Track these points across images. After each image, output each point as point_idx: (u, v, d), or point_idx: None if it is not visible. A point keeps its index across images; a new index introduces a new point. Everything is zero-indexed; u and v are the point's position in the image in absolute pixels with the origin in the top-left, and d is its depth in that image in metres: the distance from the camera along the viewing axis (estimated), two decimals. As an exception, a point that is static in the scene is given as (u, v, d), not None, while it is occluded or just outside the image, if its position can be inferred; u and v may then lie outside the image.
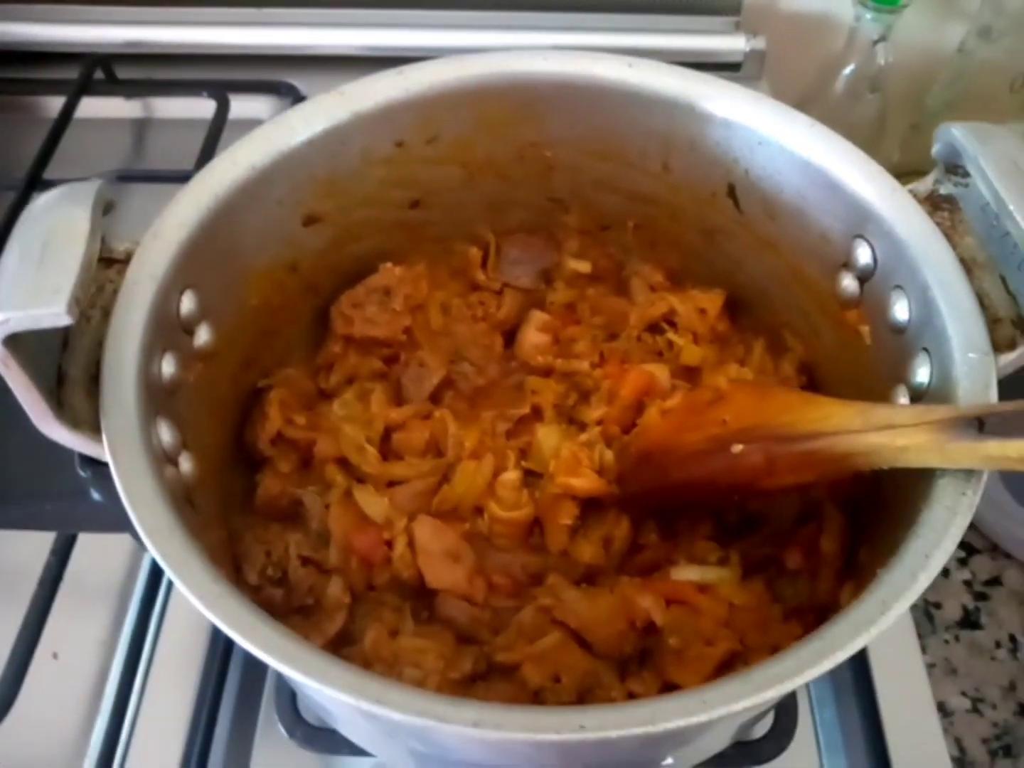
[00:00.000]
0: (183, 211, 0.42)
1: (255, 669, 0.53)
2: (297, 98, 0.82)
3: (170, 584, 0.56)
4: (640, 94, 0.49)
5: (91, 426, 0.35)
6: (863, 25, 0.78)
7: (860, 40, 0.79)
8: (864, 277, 0.44)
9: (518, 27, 0.85)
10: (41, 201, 0.35)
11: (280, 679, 0.50)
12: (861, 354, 0.46)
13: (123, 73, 0.83)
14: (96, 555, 0.57)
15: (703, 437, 0.42)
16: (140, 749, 0.51)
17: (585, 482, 0.46)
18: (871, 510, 0.42)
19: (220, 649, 0.53)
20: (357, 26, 0.86)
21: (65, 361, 0.37)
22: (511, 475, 0.46)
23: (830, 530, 0.44)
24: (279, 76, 0.84)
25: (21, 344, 0.32)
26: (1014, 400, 0.34)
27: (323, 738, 0.47)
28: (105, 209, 0.36)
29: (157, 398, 0.38)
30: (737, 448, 0.40)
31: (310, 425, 0.50)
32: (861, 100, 0.83)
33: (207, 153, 0.73)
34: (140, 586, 0.56)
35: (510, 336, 0.56)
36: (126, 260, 0.40)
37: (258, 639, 0.29)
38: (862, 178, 0.44)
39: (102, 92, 0.81)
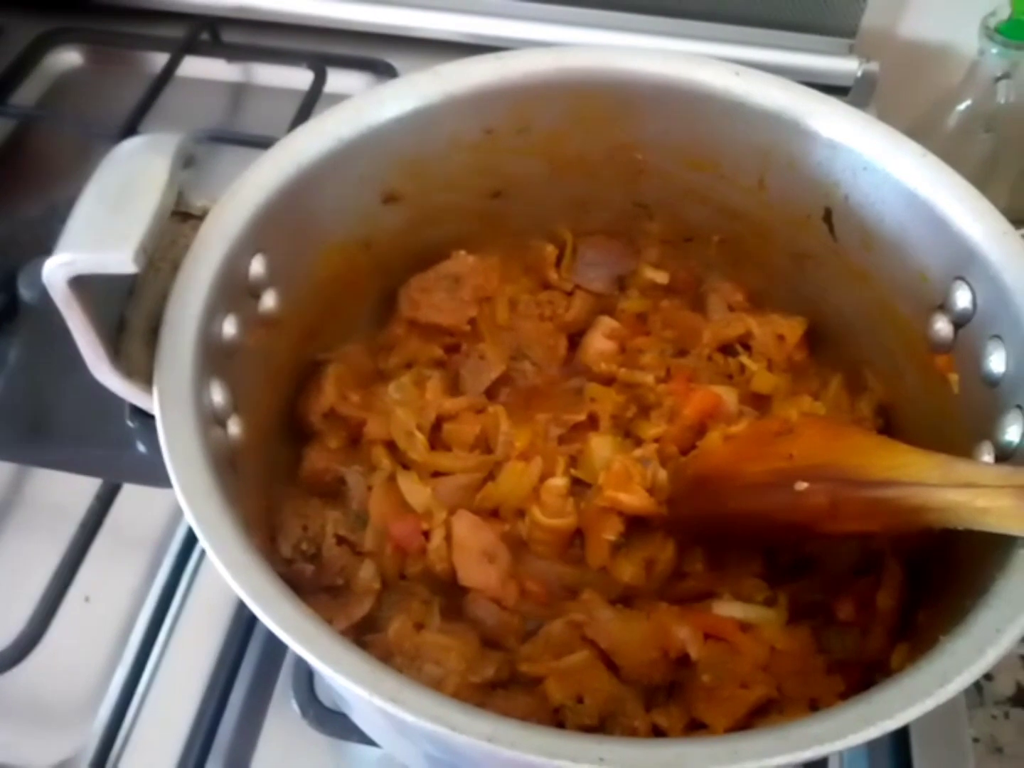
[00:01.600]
0: (264, 175, 0.41)
1: (277, 641, 0.53)
2: (393, 77, 0.82)
3: (207, 545, 0.56)
4: (744, 105, 0.47)
5: (145, 377, 0.35)
6: (986, 60, 0.74)
7: (981, 75, 0.75)
8: (960, 322, 0.42)
9: (623, 28, 0.84)
10: (124, 148, 0.35)
11: (300, 657, 0.49)
12: (946, 403, 0.43)
13: (227, 37, 0.84)
14: (138, 505, 0.57)
15: (766, 469, 0.40)
16: (155, 702, 0.51)
17: (634, 499, 0.44)
18: (936, 570, 0.39)
19: (246, 615, 0.52)
20: (459, 11, 0.85)
21: (128, 309, 0.37)
22: (558, 481, 0.45)
23: (889, 585, 0.42)
24: (378, 54, 0.84)
25: (86, 286, 0.32)
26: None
27: (335, 722, 0.47)
28: (186, 163, 0.35)
29: (214, 358, 0.37)
30: (801, 486, 0.38)
31: (363, 404, 0.50)
32: (974, 138, 0.79)
33: (299, 123, 0.73)
34: (177, 541, 0.56)
35: (575, 340, 0.55)
36: (202, 217, 0.39)
37: (279, 616, 0.28)
38: (971, 217, 0.41)
39: (205, 53, 0.82)
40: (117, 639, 0.54)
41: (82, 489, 0.56)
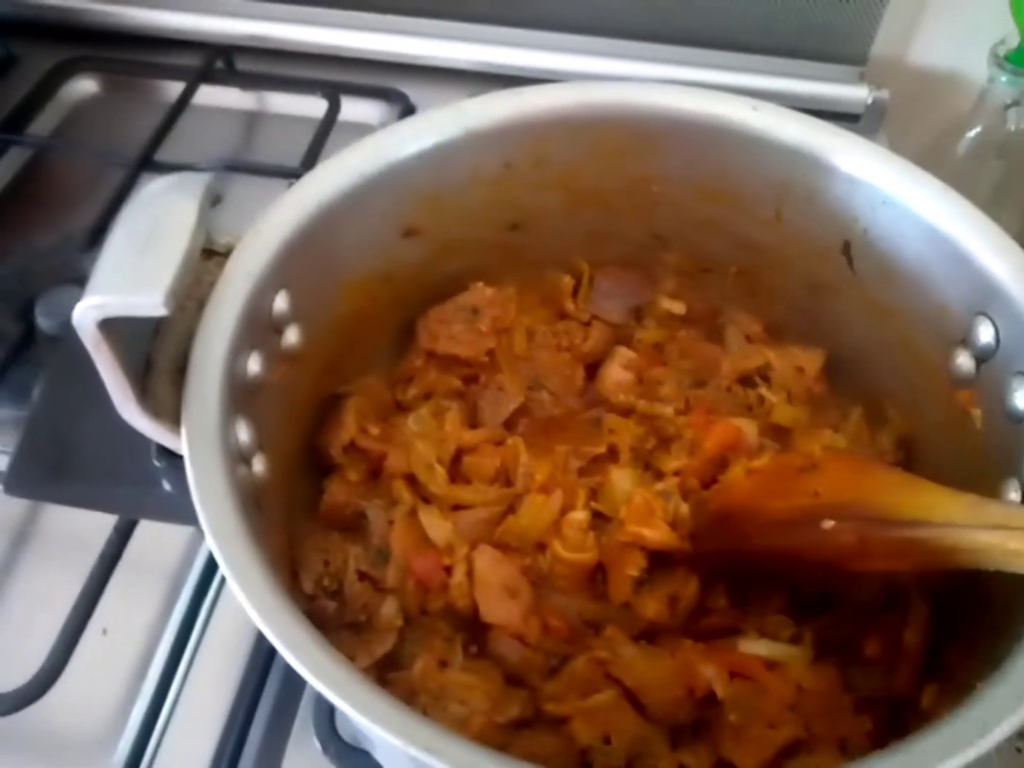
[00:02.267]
0: (286, 212, 0.42)
1: (297, 675, 0.53)
2: (406, 106, 0.82)
3: (225, 578, 0.56)
4: (761, 139, 0.47)
5: (171, 417, 0.35)
6: (996, 87, 0.74)
7: (991, 103, 0.75)
8: (983, 357, 0.42)
9: (634, 57, 0.84)
10: (151, 188, 0.36)
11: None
12: (970, 439, 0.43)
13: (242, 65, 0.85)
14: (154, 538, 0.57)
15: (791, 506, 0.40)
16: (175, 736, 0.51)
17: (657, 534, 0.44)
18: (964, 607, 0.39)
19: (265, 647, 0.52)
20: (471, 41, 0.86)
21: (154, 349, 0.37)
22: (579, 515, 0.45)
23: (915, 622, 0.41)
24: (391, 83, 0.84)
25: (114, 328, 0.32)
26: None
27: (356, 759, 0.46)
28: (213, 202, 0.36)
29: (240, 396, 0.37)
30: (828, 524, 0.38)
31: (383, 437, 0.50)
32: (984, 165, 0.79)
33: (314, 152, 0.74)
34: (195, 574, 0.56)
35: (593, 370, 0.55)
36: (226, 254, 0.39)
37: (309, 661, 0.28)
38: (992, 252, 0.41)
39: (220, 81, 0.83)
40: (135, 672, 0.53)
41: (98, 520, 0.56)
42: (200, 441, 0.34)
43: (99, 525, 0.55)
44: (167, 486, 0.37)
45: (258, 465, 0.39)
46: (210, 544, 0.31)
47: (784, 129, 0.46)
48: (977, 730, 0.27)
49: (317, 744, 0.48)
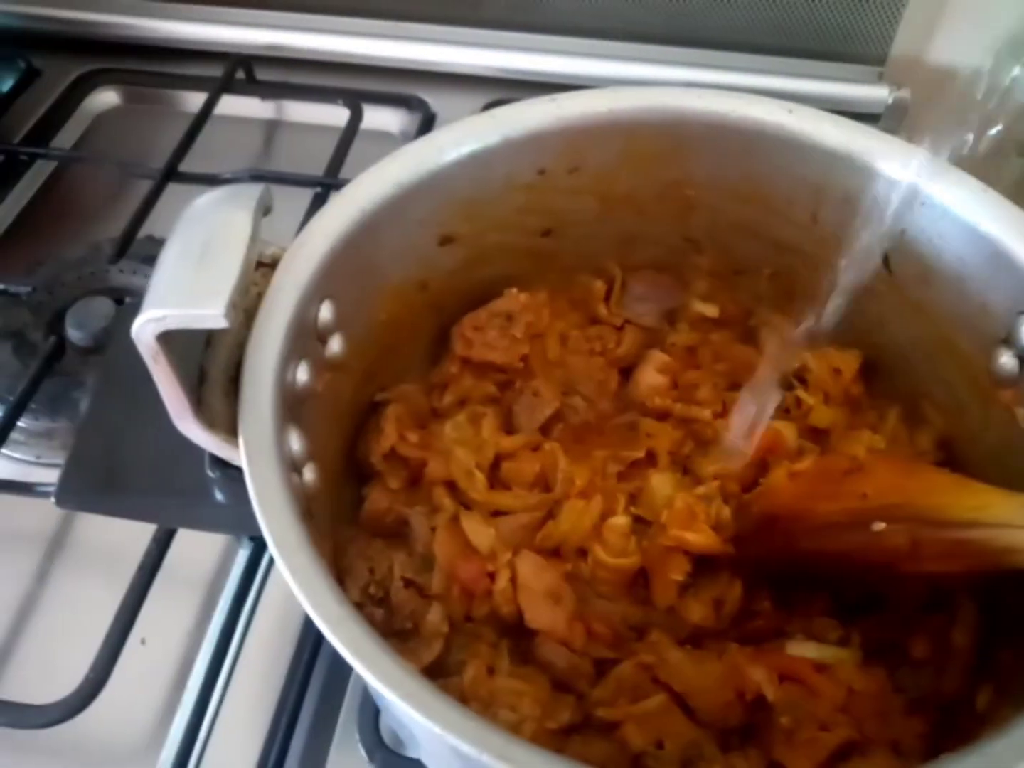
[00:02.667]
0: (330, 223, 0.42)
1: (337, 679, 0.53)
2: (427, 113, 0.83)
3: (263, 583, 0.56)
4: (797, 141, 0.47)
5: (226, 427, 0.35)
6: (1017, 85, 0.74)
7: (1012, 101, 0.75)
8: (1027, 356, 0.42)
9: (653, 60, 0.84)
10: (202, 201, 0.36)
11: (366, 697, 0.49)
12: (1013, 438, 0.43)
13: (262, 75, 0.86)
14: (189, 546, 0.57)
15: (840, 509, 0.40)
16: (218, 746, 0.51)
17: (700, 538, 0.44)
18: (1016, 608, 0.39)
19: (306, 657, 0.52)
20: (488, 47, 0.86)
21: (206, 360, 0.37)
22: (620, 520, 0.45)
23: (963, 622, 0.41)
24: (410, 90, 0.85)
25: (172, 341, 0.33)
26: None
27: (403, 766, 0.46)
28: (264, 213, 0.36)
29: (290, 405, 0.38)
30: (879, 526, 0.38)
31: (422, 444, 0.50)
32: (1006, 163, 0.78)
33: (338, 160, 0.75)
34: (232, 582, 0.56)
35: (626, 374, 0.55)
36: (272, 264, 0.40)
37: (382, 673, 0.28)
38: (1035, 251, 0.41)
39: (241, 91, 0.83)
40: (176, 681, 0.54)
41: (130, 530, 0.56)
42: (257, 451, 0.34)
43: (132, 535, 0.55)
44: (219, 496, 0.37)
45: (308, 474, 0.39)
46: (275, 555, 0.31)
47: (821, 132, 0.47)
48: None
49: (362, 751, 0.48)
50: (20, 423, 0.60)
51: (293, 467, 0.37)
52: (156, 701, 0.53)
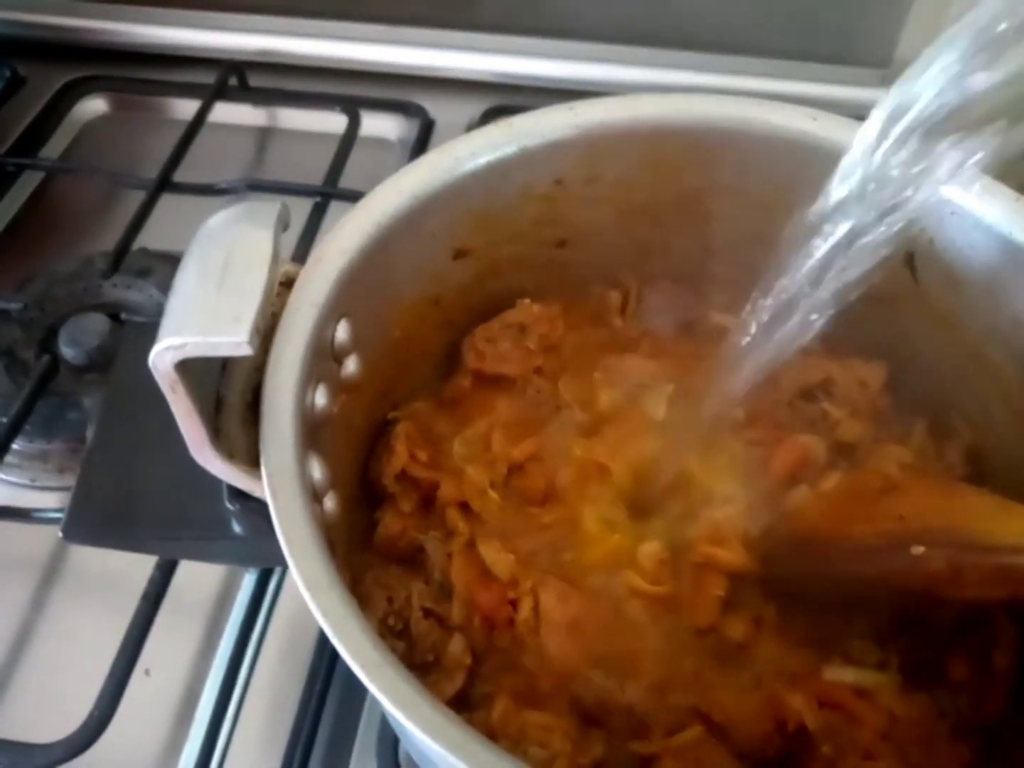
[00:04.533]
0: (346, 237, 0.40)
1: (351, 706, 0.51)
2: (425, 119, 0.81)
3: (271, 609, 0.55)
4: (821, 149, 0.46)
5: (245, 457, 0.34)
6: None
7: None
8: (1063, 369, 0.41)
9: (656, 64, 0.83)
10: (218, 219, 0.34)
11: (384, 726, 0.47)
12: (1049, 451, 0.42)
13: (255, 81, 0.84)
14: (191, 573, 0.55)
15: (875, 531, 0.39)
16: (229, 780, 0.49)
17: (731, 555, 0.43)
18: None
19: (319, 686, 0.51)
20: (488, 51, 0.85)
21: (223, 386, 0.35)
22: (653, 546, 0.43)
23: (1004, 643, 0.40)
24: (407, 96, 0.83)
25: (191, 368, 0.31)
26: None
27: (425, 800, 0.45)
28: (282, 230, 0.34)
29: (310, 431, 0.36)
30: (918, 550, 0.36)
31: (432, 463, 0.48)
32: (1012, 167, 0.78)
33: (337, 168, 0.73)
34: (238, 609, 0.54)
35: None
36: (287, 284, 0.38)
37: (423, 720, 0.27)
38: (1071, 262, 0.40)
39: (234, 98, 0.81)
40: (183, 712, 0.52)
41: (131, 556, 0.53)
42: (280, 483, 0.32)
43: (131, 562, 0.52)
44: (238, 529, 0.35)
45: (329, 503, 0.37)
46: (306, 597, 0.29)
47: (845, 139, 0.45)
48: None
49: (381, 784, 0.46)
50: (14, 445, 0.58)
51: (315, 497, 0.35)
52: (163, 734, 0.51)
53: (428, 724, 0.27)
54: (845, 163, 0.37)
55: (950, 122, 0.36)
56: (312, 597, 0.29)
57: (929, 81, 0.35)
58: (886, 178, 0.37)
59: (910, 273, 0.47)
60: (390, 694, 0.27)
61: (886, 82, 0.81)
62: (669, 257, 0.53)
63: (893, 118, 0.36)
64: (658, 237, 0.52)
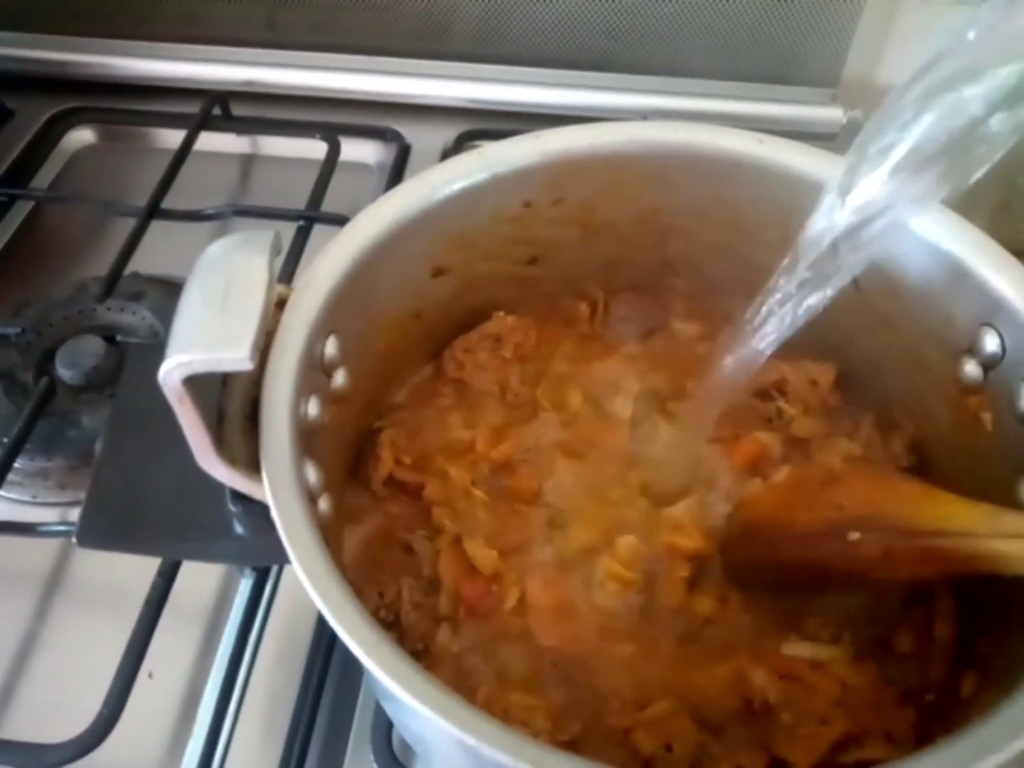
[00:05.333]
0: (332, 261, 0.43)
1: (346, 701, 0.54)
2: (402, 144, 0.85)
3: (267, 611, 0.57)
4: (768, 169, 0.50)
5: (246, 463, 0.37)
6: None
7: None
8: (990, 365, 0.45)
9: (616, 88, 0.88)
10: (217, 248, 0.37)
11: (378, 715, 0.51)
12: (980, 440, 0.46)
13: (237, 111, 0.87)
14: (189, 578, 0.58)
15: (818, 518, 0.42)
16: (232, 776, 0.52)
17: (689, 541, 0.47)
18: (992, 600, 0.42)
19: (315, 681, 0.53)
20: (460, 79, 0.89)
21: (223, 400, 0.38)
22: (628, 538, 0.47)
23: (943, 615, 0.44)
24: (385, 122, 0.87)
25: (196, 383, 0.34)
26: None
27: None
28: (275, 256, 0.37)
29: (304, 439, 0.39)
30: (854, 536, 0.40)
31: (417, 467, 0.51)
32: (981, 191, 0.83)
33: (319, 193, 0.76)
34: (236, 611, 0.57)
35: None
36: (280, 304, 0.41)
37: (417, 690, 0.30)
38: (994, 268, 0.44)
39: (218, 128, 0.84)
40: (185, 712, 0.55)
41: (128, 566, 0.56)
42: (280, 484, 0.35)
43: (129, 571, 0.56)
44: (239, 530, 0.39)
45: (323, 504, 0.40)
46: (305, 584, 0.32)
47: (788, 159, 0.49)
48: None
49: (377, 770, 0.49)
50: (15, 464, 0.61)
51: (311, 498, 0.38)
52: (167, 733, 0.54)
53: (423, 696, 0.30)
54: (824, 201, 0.40)
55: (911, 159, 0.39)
56: (312, 585, 0.32)
57: (887, 127, 0.38)
58: (859, 211, 0.40)
59: (852, 281, 0.51)
60: (387, 670, 0.30)
61: (835, 101, 0.87)
62: (632, 270, 0.57)
63: (858, 161, 0.39)
64: (621, 253, 0.56)
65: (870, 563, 0.40)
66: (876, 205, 0.39)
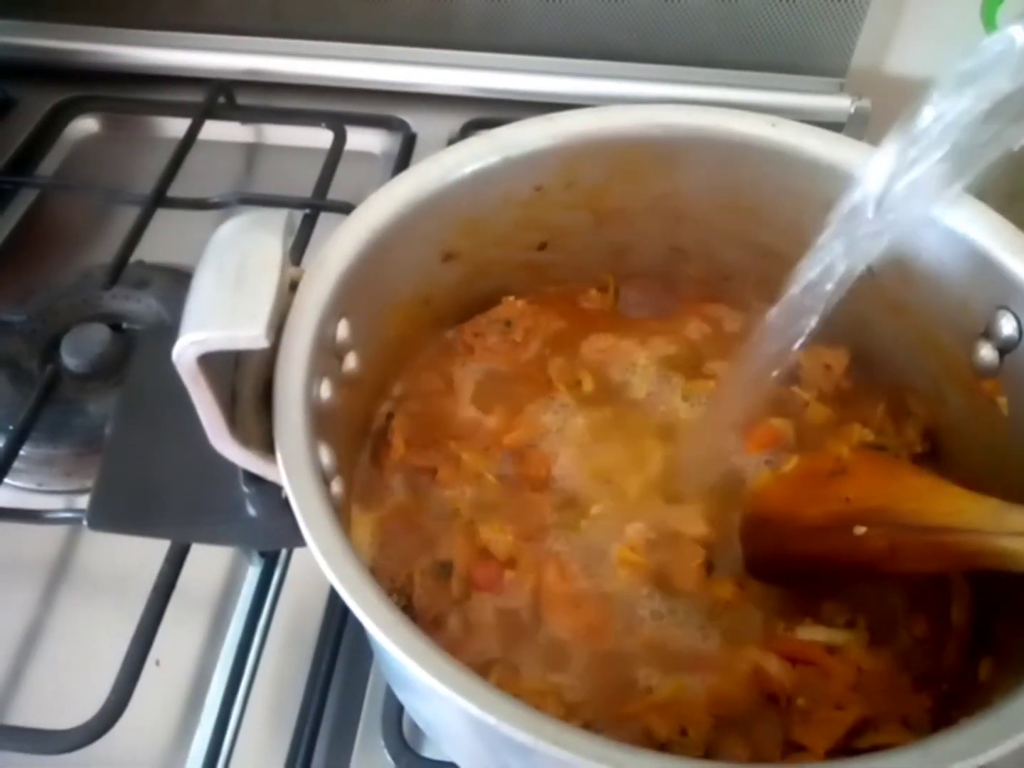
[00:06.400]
0: (345, 243, 0.43)
1: (356, 686, 0.54)
2: (407, 133, 0.84)
3: (275, 598, 0.57)
4: (781, 153, 0.49)
5: (259, 444, 0.36)
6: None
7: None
8: (1006, 348, 0.44)
9: (625, 77, 0.87)
10: (230, 227, 0.37)
11: (388, 700, 0.50)
12: (996, 425, 0.45)
13: (242, 99, 0.87)
14: (196, 566, 0.58)
15: (824, 512, 0.42)
16: (241, 762, 0.52)
17: (695, 528, 0.47)
18: (1008, 587, 0.41)
19: (324, 667, 0.53)
20: (466, 67, 0.88)
21: (236, 381, 0.38)
22: (638, 525, 0.47)
23: (959, 601, 0.44)
24: (390, 111, 0.86)
25: (209, 363, 0.34)
26: None
27: (428, 768, 0.48)
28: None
29: (317, 421, 0.39)
30: (860, 530, 0.40)
31: (430, 452, 0.51)
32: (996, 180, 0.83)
33: (325, 181, 0.76)
34: (244, 599, 0.57)
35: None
36: (292, 286, 0.41)
37: (436, 669, 0.30)
38: (1009, 251, 0.44)
39: (222, 116, 0.84)
40: (193, 700, 0.54)
41: (134, 553, 0.56)
42: (294, 465, 0.35)
43: (135, 559, 0.55)
44: (252, 511, 0.38)
45: (336, 487, 0.40)
46: (321, 563, 0.32)
47: (803, 143, 0.49)
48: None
49: (387, 756, 0.49)
50: (21, 452, 0.60)
51: (324, 480, 0.38)
52: (175, 721, 0.54)
53: (442, 675, 0.30)
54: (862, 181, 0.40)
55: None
56: (328, 564, 0.32)
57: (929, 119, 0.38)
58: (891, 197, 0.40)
59: (867, 267, 0.51)
60: (406, 649, 0.30)
61: (843, 90, 0.86)
62: (643, 256, 0.57)
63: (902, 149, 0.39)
64: (631, 238, 0.56)
65: (876, 558, 0.40)
66: (911, 190, 0.39)
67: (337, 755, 0.52)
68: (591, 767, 0.28)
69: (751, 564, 0.46)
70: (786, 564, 0.45)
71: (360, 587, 0.32)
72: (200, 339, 0.32)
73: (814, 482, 0.45)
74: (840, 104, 0.85)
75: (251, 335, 0.32)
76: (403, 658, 0.30)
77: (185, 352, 0.33)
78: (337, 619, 0.55)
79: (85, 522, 0.39)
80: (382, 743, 0.49)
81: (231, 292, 0.33)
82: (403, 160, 0.81)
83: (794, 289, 0.42)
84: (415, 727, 0.50)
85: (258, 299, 0.33)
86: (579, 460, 0.50)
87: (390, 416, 0.52)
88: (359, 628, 0.53)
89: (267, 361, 0.39)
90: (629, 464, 0.50)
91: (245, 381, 0.38)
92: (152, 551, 0.55)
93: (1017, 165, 0.90)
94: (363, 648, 0.55)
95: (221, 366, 0.36)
